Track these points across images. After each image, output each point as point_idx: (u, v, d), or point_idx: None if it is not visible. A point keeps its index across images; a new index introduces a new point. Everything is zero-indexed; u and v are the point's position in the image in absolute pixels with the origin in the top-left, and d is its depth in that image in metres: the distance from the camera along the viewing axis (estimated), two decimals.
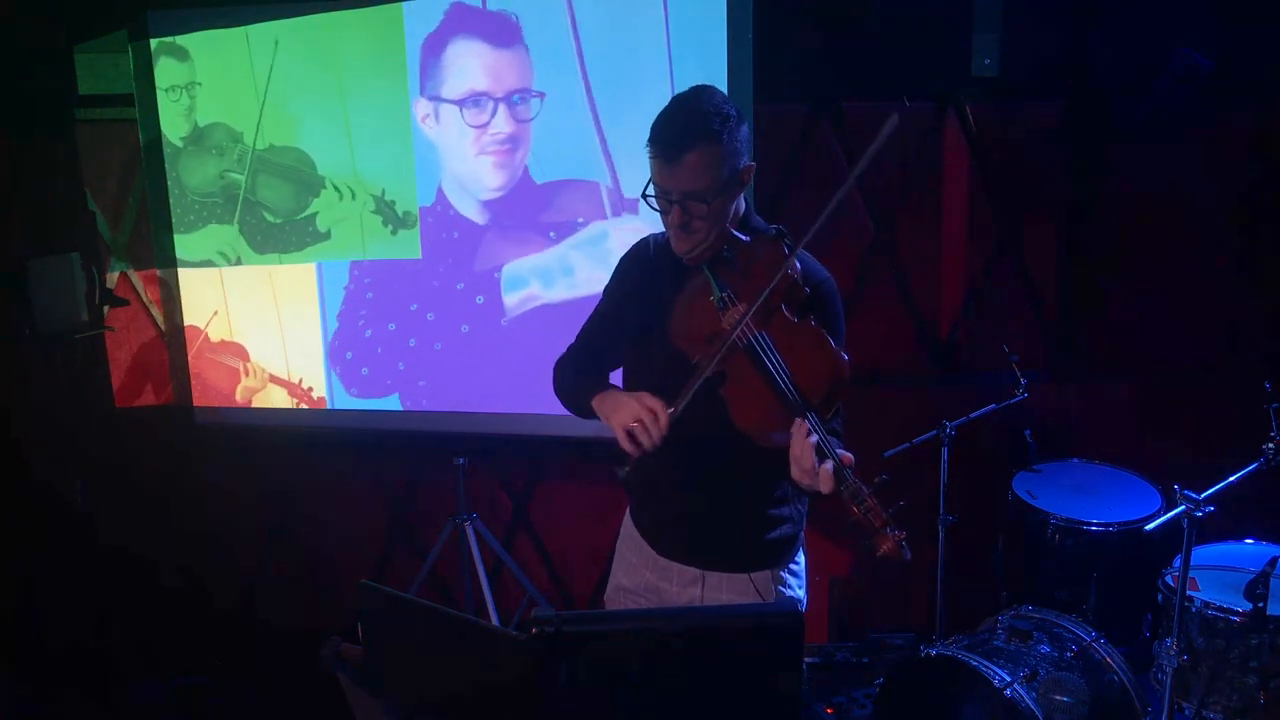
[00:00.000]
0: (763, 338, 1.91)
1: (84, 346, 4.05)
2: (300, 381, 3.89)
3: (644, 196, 1.99)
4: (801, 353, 1.89)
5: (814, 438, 1.79)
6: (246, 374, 3.94)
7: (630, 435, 1.94)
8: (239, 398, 3.97)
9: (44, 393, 4.00)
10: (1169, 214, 3.65)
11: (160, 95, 3.85)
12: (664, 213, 2.00)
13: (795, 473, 1.82)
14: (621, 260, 2.26)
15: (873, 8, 3.60)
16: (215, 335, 3.97)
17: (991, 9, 3.54)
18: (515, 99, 3.47)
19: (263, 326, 3.91)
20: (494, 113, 3.49)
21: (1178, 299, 3.67)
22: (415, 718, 1.72)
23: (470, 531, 3.70)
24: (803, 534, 2.23)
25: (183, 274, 3.97)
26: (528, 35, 3.41)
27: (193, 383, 4.03)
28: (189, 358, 4.02)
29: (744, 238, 2.03)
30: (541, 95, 3.43)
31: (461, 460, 3.74)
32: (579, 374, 2.21)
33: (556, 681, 1.53)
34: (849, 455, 1.82)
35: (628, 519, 2.33)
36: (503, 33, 3.45)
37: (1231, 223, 3.64)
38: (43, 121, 3.97)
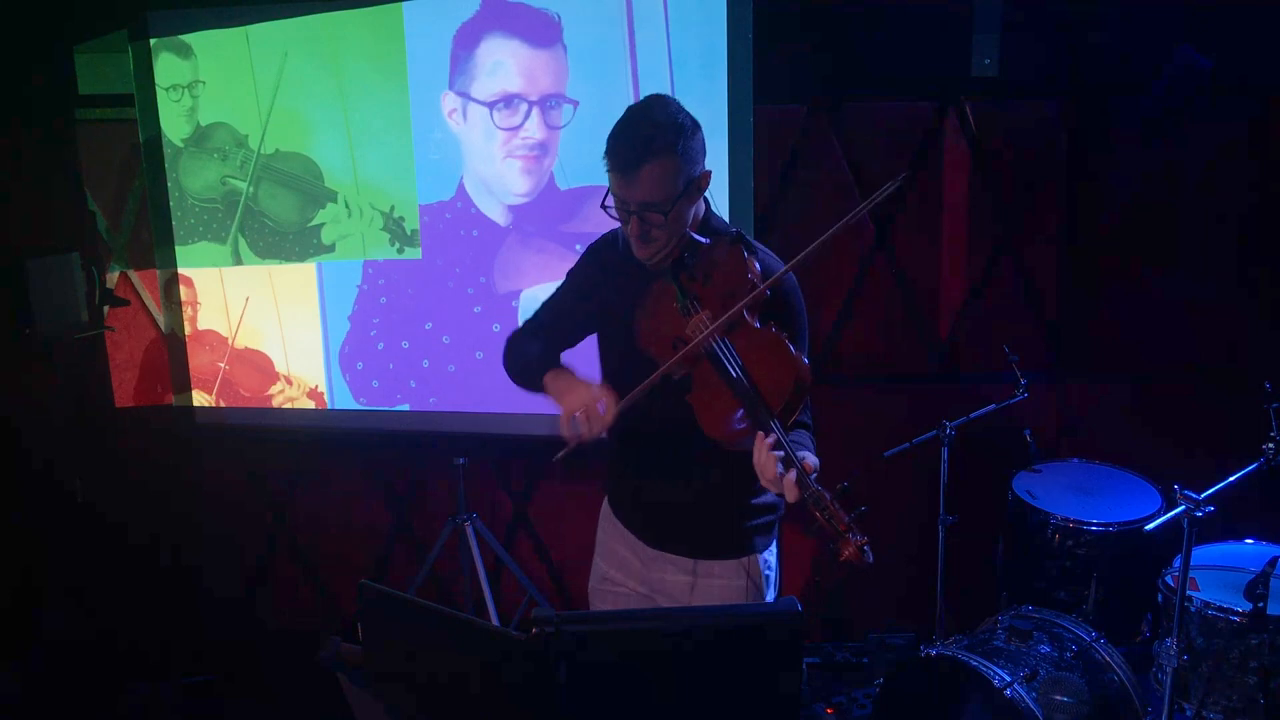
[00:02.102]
0: (725, 345, 1.93)
1: (84, 346, 4.05)
2: (316, 387, 3.88)
3: (603, 207, 2.02)
4: (763, 359, 1.91)
5: (779, 450, 1.81)
6: (290, 384, 3.91)
7: (573, 423, 1.98)
8: (276, 405, 3.95)
9: (44, 393, 4.00)
10: (1169, 214, 3.65)
11: (161, 94, 3.84)
12: (623, 222, 2.04)
13: (761, 480, 1.84)
14: (591, 247, 2.29)
15: (873, 8, 3.60)
16: (240, 342, 3.95)
17: (991, 9, 3.54)
18: (550, 104, 3.40)
19: (274, 329, 3.88)
20: (526, 116, 3.42)
21: (1177, 299, 3.67)
22: (415, 718, 1.72)
23: (470, 531, 3.70)
24: (779, 517, 2.27)
25: (190, 276, 3.97)
26: (567, 36, 3.34)
27: (224, 388, 3.99)
28: (220, 364, 3.97)
29: (704, 240, 2.05)
30: (575, 103, 3.37)
31: (461, 460, 3.74)
32: (536, 348, 2.23)
33: (556, 681, 1.53)
34: (813, 460, 1.84)
35: (607, 510, 2.35)
36: (542, 31, 3.36)
37: (1231, 222, 3.64)
38: (43, 121, 3.97)
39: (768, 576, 2.23)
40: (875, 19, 3.59)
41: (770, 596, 2.24)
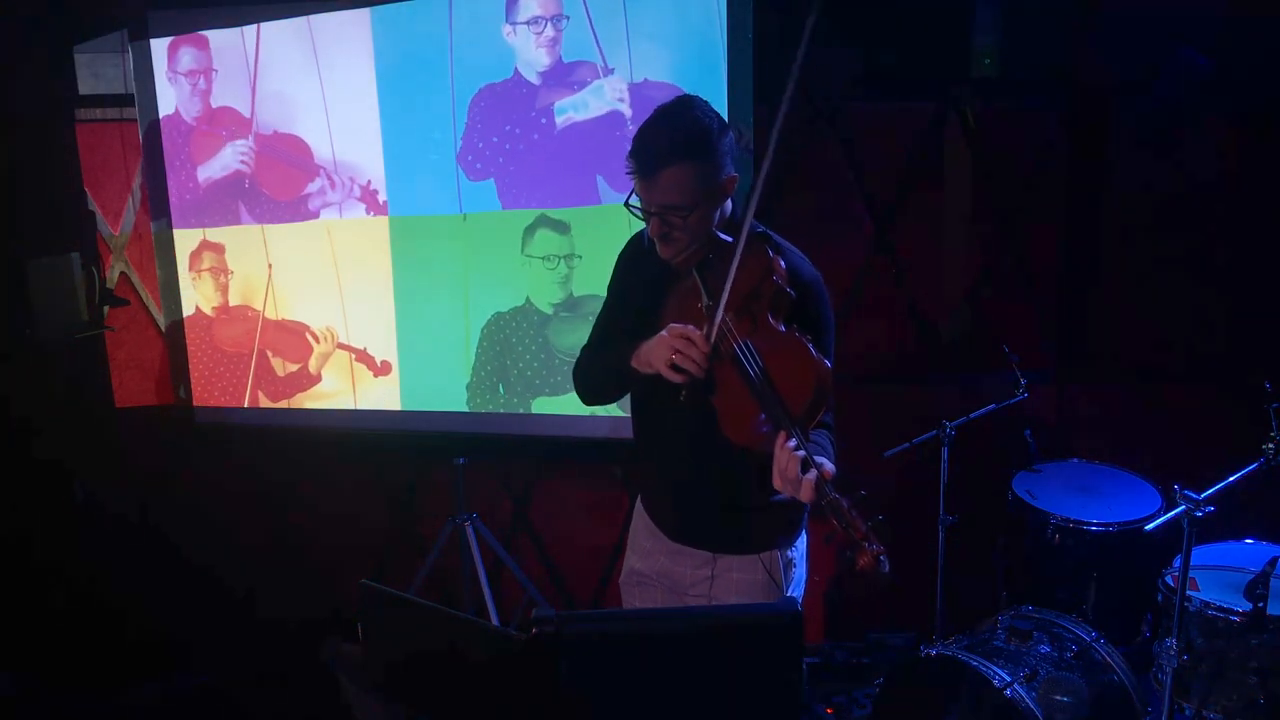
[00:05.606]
0: (747, 346, 1.91)
1: (84, 346, 4.05)
2: (365, 348, 3.79)
3: (626, 205, 2.00)
4: (785, 363, 1.89)
5: (799, 450, 1.79)
6: (318, 340, 3.83)
7: (675, 367, 1.92)
8: (313, 369, 3.87)
9: (44, 393, 4.00)
10: (1168, 213, 3.65)
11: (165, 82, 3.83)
12: (645, 222, 2.03)
13: (778, 482, 1.82)
14: (619, 257, 2.30)
15: (873, 8, 3.60)
16: (272, 314, 3.89)
17: (991, 9, 3.54)
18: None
19: (321, 293, 3.80)
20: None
21: (1178, 299, 3.67)
22: (415, 718, 1.73)
23: (470, 531, 3.70)
24: (806, 515, 2.27)
25: (225, 236, 3.89)
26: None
27: (261, 363, 3.93)
28: (255, 337, 3.92)
29: (729, 239, 2.01)
30: None
31: (461, 460, 3.74)
32: (604, 358, 2.21)
33: (556, 681, 1.53)
34: (831, 468, 1.82)
35: (639, 504, 2.37)
36: None
37: (1231, 222, 3.64)
38: (43, 121, 3.97)
39: (789, 573, 2.23)
40: (875, 19, 3.59)
41: (792, 592, 2.24)
